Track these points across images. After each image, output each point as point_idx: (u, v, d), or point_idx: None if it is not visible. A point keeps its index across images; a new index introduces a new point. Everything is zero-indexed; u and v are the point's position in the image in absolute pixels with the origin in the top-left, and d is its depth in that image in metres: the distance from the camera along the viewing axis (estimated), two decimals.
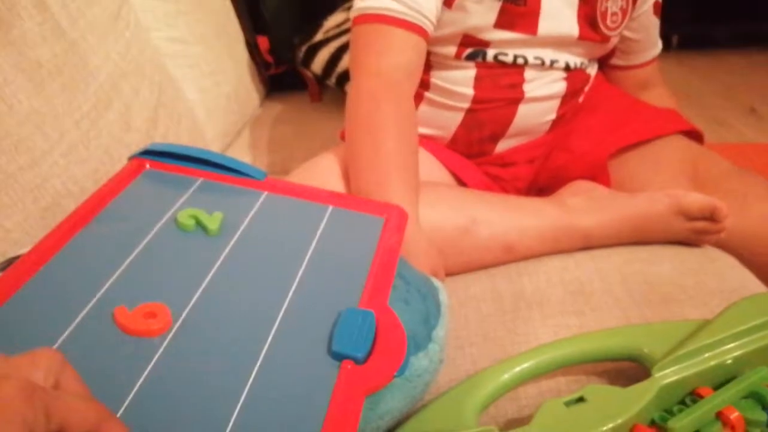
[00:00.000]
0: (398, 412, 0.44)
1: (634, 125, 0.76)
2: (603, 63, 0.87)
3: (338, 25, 1.10)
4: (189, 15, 0.98)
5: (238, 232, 0.49)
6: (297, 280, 0.45)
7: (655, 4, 0.81)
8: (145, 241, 0.46)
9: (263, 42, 1.19)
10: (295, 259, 0.47)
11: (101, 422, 0.28)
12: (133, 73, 0.77)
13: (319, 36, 1.10)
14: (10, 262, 0.47)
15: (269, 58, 1.21)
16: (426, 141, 0.76)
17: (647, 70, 0.87)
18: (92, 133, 0.65)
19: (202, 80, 0.99)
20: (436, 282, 0.54)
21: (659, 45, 0.87)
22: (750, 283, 0.59)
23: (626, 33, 0.81)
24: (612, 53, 0.85)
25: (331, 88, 1.21)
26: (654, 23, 0.83)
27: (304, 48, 1.14)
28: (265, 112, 1.23)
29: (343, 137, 0.82)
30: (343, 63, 1.10)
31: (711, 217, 0.62)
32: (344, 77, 1.12)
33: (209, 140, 0.99)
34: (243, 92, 1.13)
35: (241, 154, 1.08)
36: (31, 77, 0.59)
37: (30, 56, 0.59)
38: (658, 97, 0.87)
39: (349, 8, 0.81)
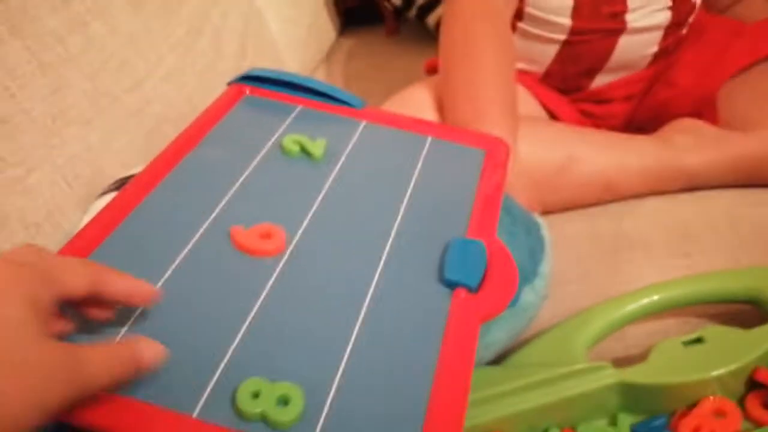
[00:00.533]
0: (502, 344, 0.44)
1: (740, 48, 0.70)
2: None
3: None
4: None
5: (342, 160, 0.48)
6: (402, 209, 0.45)
7: None
8: (252, 165, 0.46)
9: None
10: (399, 188, 0.47)
11: (96, 276, 0.28)
12: (221, 1, 0.76)
13: None
14: (123, 182, 0.49)
15: None
16: (518, 75, 0.72)
17: None
18: (187, 58, 0.65)
19: (284, 11, 0.98)
20: (538, 217, 0.53)
21: None
22: None
23: None
24: None
25: (409, 22, 1.17)
26: None
27: None
28: (340, 46, 1.20)
29: (428, 70, 0.80)
30: None
31: None
32: (425, 9, 1.08)
33: (290, 71, 0.98)
34: (322, 24, 1.11)
35: None
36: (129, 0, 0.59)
37: None
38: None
39: None
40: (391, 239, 0.42)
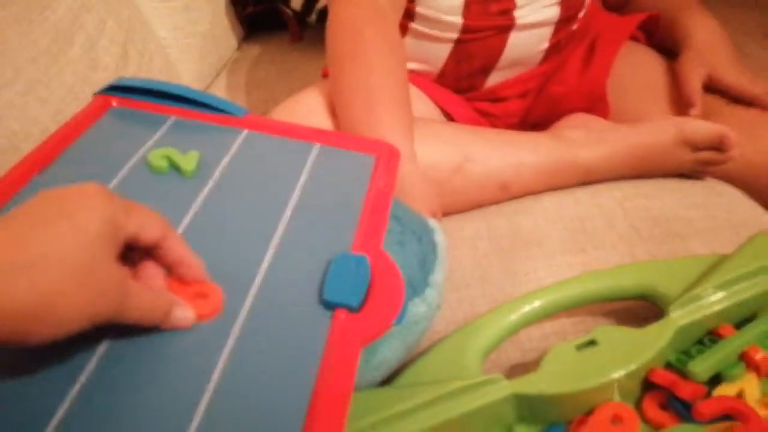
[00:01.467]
0: (394, 362, 0.42)
1: (607, 42, 0.73)
2: None
3: None
4: None
5: (217, 173, 0.45)
6: (283, 223, 0.41)
7: None
8: (112, 184, 0.42)
9: None
10: (281, 201, 0.43)
11: (166, 232, 0.32)
12: (97, 6, 0.71)
13: None
14: None
15: None
16: (412, 76, 0.71)
17: None
18: (53, 70, 0.60)
19: (175, 17, 0.93)
20: (433, 223, 0.51)
21: None
22: (763, 216, 0.57)
23: None
24: None
25: (312, 27, 1.15)
26: None
27: None
28: (243, 53, 1.16)
29: (326, 75, 0.77)
30: None
31: (718, 146, 0.59)
32: (325, 13, 1.05)
33: (185, 83, 0.93)
34: (220, 31, 1.06)
35: (220, 95, 1.02)
36: None
37: None
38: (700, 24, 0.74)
39: None
40: (268, 258, 0.38)
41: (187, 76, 0.94)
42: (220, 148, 0.47)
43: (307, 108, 0.60)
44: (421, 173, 0.54)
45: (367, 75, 0.56)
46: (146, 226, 0.31)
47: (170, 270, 0.33)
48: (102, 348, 0.31)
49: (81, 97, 0.62)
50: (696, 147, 0.60)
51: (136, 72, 0.75)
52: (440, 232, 0.50)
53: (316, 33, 1.14)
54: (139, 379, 0.30)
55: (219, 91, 1.04)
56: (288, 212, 0.43)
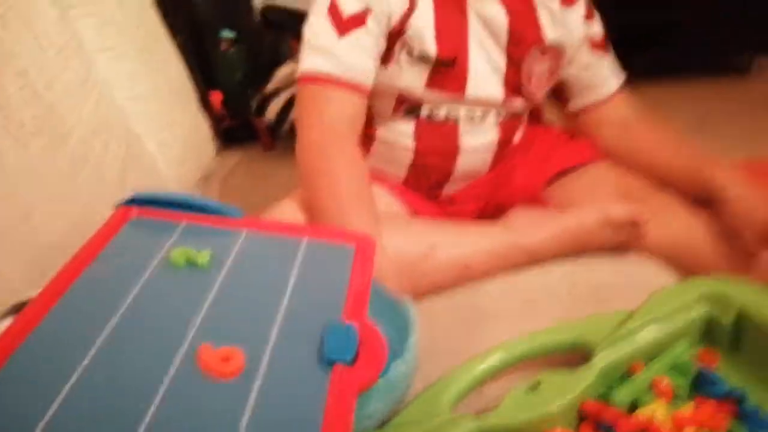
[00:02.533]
0: (383, 413, 0.50)
1: (559, 157, 0.86)
2: (565, 108, 0.91)
3: (288, 76, 1.18)
4: (147, 75, 1.03)
5: (226, 266, 0.54)
6: (285, 301, 0.51)
7: (593, 43, 0.85)
8: (142, 280, 0.51)
9: (216, 96, 1.25)
10: (281, 284, 0.53)
11: None
12: (102, 131, 0.82)
13: (270, 86, 1.18)
14: (17, 306, 0.51)
15: (223, 111, 1.27)
16: (382, 182, 0.83)
17: (612, 107, 0.88)
18: (72, 188, 0.70)
19: (160, 134, 1.04)
20: (405, 299, 0.61)
21: (613, 81, 0.87)
22: (672, 280, 0.68)
23: (570, 78, 0.86)
24: (569, 97, 0.89)
25: (283, 137, 1.28)
26: (595, 62, 0.85)
27: (257, 98, 1.21)
28: (220, 163, 1.28)
29: None
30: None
31: (633, 224, 0.71)
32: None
33: (170, 189, 1.03)
34: (198, 144, 1.18)
35: None
36: (17, 137, 0.63)
37: (15, 119, 0.64)
38: (645, 134, 0.86)
39: (296, 60, 0.88)
40: (276, 327, 0.48)
41: (172, 184, 1.04)
42: (227, 246, 0.57)
43: (289, 214, 0.71)
44: (392, 260, 0.65)
45: (335, 185, 0.68)
46: None
47: None
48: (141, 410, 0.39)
49: (93, 209, 0.72)
50: (616, 225, 0.72)
51: (134, 182, 0.85)
52: (411, 306, 0.60)
53: (287, 142, 1.27)
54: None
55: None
56: (288, 292, 0.52)
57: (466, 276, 0.72)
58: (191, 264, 0.53)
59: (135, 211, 0.59)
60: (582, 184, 0.84)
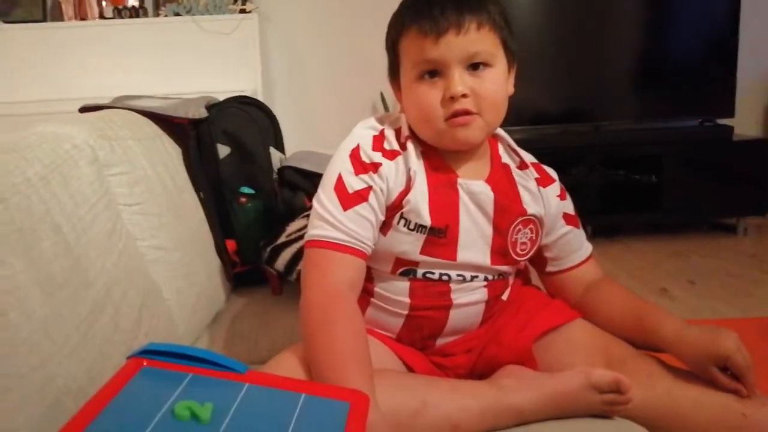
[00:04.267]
0: None
1: (544, 316, 0.91)
2: (541, 272, 1.01)
3: (299, 230, 1.27)
4: (169, 226, 1.12)
5: (227, 420, 0.58)
6: None
7: (566, 217, 0.96)
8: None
9: (231, 245, 1.33)
10: None
11: None
12: (123, 280, 0.88)
13: (282, 239, 1.26)
14: None
15: (236, 258, 1.34)
16: (378, 335, 0.88)
17: (580, 272, 0.97)
18: (89, 335, 0.75)
19: (178, 281, 1.11)
20: None
21: (583, 251, 0.98)
22: None
23: (548, 245, 0.96)
24: (545, 263, 0.99)
25: (290, 283, 1.34)
26: (569, 233, 0.95)
27: (268, 249, 1.28)
28: (230, 306, 1.33)
29: None
30: None
31: (617, 389, 0.75)
32: None
33: (181, 334, 1.07)
34: (212, 290, 1.25)
35: (211, 345, 1.17)
36: (44, 289, 0.69)
37: (45, 271, 0.70)
38: (605, 293, 0.95)
39: (307, 215, 0.96)
40: None
41: (182, 329, 1.09)
42: (229, 400, 0.60)
43: (290, 367, 0.75)
44: (384, 417, 0.68)
45: (333, 343, 0.73)
46: None
47: None
48: None
49: (106, 355, 0.76)
50: (601, 390, 0.75)
51: (146, 331, 0.90)
52: None
53: (294, 288, 1.33)
54: None
55: (210, 340, 1.19)
56: None
57: None
58: (194, 417, 0.57)
59: (146, 362, 0.64)
60: (565, 344, 0.88)
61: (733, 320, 2.03)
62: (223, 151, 1.33)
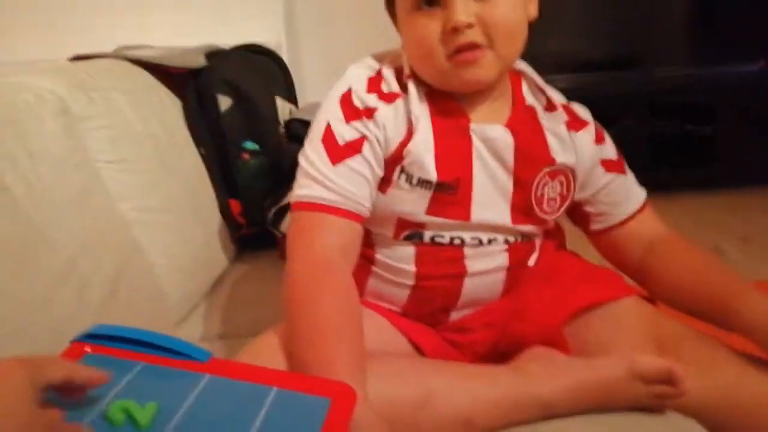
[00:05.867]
0: None
1: (585, 290, 0.76)
2: (586, 231, 0.84)
3: None
4: (161, 184, 1.02)
5: (172, 423, 0.47)
6: None
7: (606, 164, 0.80)
8: None
9: (235, 205, 1.22)
10: None
11: (71, 372, 0.45)
12: (95, 247, 0.78)
13: (287, 199, 1.14)
14: None
15: (241, 220, 1.24)
16: (382, 309, 0.76)
17: (635, 226, 0.81)
18: (42, 313, 0.65)
19: (171, 246, 1.01)
20: None
21: (633, 201, 0.81)
22: None
23: (588, 200, 0.80)
24: (588, 219, 0.83)
25: None
26: (612, 182, 0.80)
27: (273, 209, 1.17)
28: (235, 271, 1.23)
29: None
30: None
31: (668, 380, 0.61)
32: None
33: (173, 305, 0.98)
34: (211, 254, 1.15)
35: (209, 315, 1.07)
36: None
37: None
38: (674, 254, 0.78)
39: None
40: None
41: (174, 298, 0.99)
42: (180, 396, 0.50)
43: (271, 350, 0.64)
44: (376, 415, 0.56)
45: (316, 324, 0.61)
46: (51, 373, 0.43)
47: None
48: None
49: (67, 335, 0.66)
50: (648, 381, 0.62)
51: (124, 305, 0.80)
52: None
53: None
54: None
55: (209, 310, 1.09)
56: None
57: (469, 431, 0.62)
58: (132, 421, 0.46)
59: (90, 347, 0.54)
60: (608, 324, 0.74)
61: None
62: (225, 102, 1.21)
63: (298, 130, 1.23)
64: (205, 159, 1.21)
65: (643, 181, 0.85)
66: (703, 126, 2.68)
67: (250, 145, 1.22)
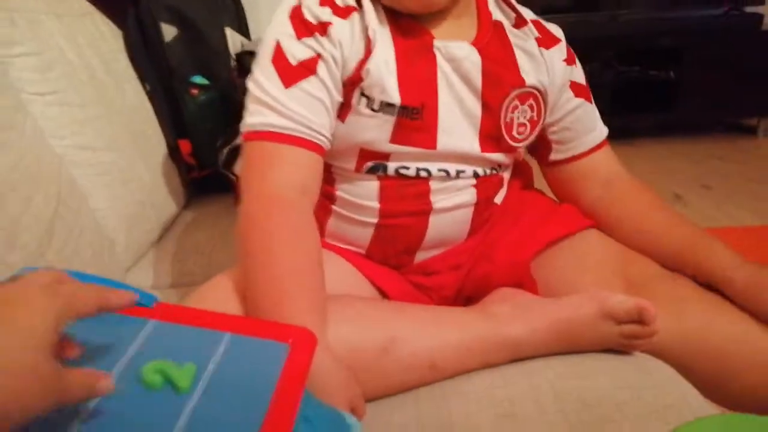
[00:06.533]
0: None
1: (551, 225, 0.74)
2: (543, 161, 0.81)
3: None
4: (99, 121, 0.93)
5: (117, 369, 0.42)
6: (185, 417, 0.39)
7: (575, 87, 0.75)
8: None
9: (184, 145, 1.15)
10: (185, 396, 0.41)
11: (101, 301, 0.39)
12: (25, 185, 0.71)
13: (240, 138, 1.07)
14: None
15: (191, 161, 1.16)
16: (345, 253, 0.71)
17: (595, 160, 0.78)
18: None
19: (114, 188, 0.93)
20: (350, 418, 0.48)
21: (597, 132, 0.79)
22: (690, 397, 0.55)
23: (552, 125, 0.77)
24: (548, 148, 0.79)
25: None
26: (578, 107, 0.76)
27: (226, 150, 1.10)
28: (185, 217, 1.17)
29: None
30: None
31: (639, 319, 0.59)
32: None
33: (120, 251, 0.91)
34: (160, 198, 1.07)
35: (159, 263, 1.01)
36: None
37: None
38: (633, 196, 0.77)
39: None
40: None
41: (120, 245, 0.92)
42: (123, 341, 0.45)
43: (224, 294, 0.59)
44: (338, 361, 0.52)
45: (272, 265, 0.56)
46: (83, 309, 0.37)
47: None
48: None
49: None
50: (619, 320, 0.59)
51: (60, 249, 0.73)
52: (358, 428, 0.47)
53: None
54: None
55: (157, 257, 1.03)
56: (191, 405, 0.40)
57: (435, 375, 0.59)
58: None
59: None
60: (574, 261, 0.71)
61: (752, 228, 1.88)
62: (169, 32, 1.12)
63: (251, 63, 1.15)
64: (151, 95, 1.12)
65: (605, 125, 0.82)
66: (666, 71, 2.68)
67: (198, 79, 1.14)
